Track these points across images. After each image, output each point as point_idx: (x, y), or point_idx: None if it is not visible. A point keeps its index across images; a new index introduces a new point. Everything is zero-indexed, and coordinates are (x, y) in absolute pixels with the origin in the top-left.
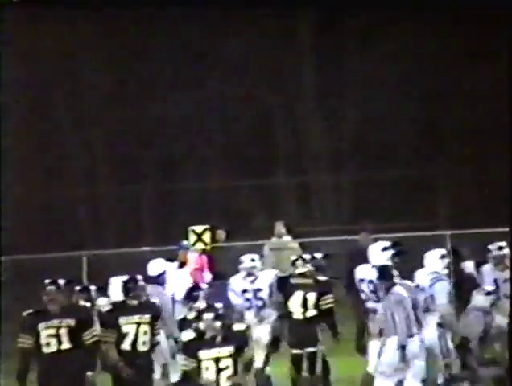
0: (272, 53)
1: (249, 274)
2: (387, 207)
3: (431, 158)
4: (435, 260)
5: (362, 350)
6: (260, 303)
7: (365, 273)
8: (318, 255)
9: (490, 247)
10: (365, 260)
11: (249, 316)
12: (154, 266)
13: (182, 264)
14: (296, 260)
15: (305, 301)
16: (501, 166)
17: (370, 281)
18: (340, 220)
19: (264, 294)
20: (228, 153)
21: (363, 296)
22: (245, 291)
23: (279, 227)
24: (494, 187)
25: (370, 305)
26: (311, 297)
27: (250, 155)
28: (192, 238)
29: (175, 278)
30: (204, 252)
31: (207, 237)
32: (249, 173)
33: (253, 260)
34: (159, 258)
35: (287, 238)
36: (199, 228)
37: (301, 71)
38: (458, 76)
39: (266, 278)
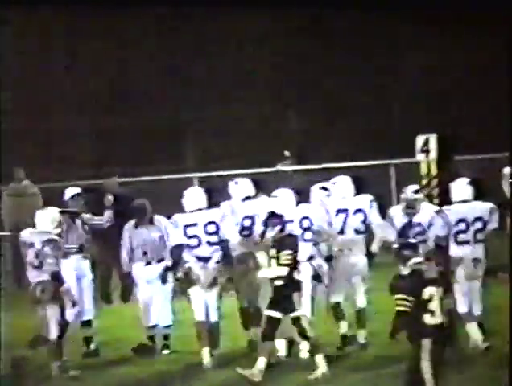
0: None
1: None
2: (132, 153)
3: (180, 103)
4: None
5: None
6: None
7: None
8: None
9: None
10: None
11: None
12: None
13: None
14: None
15: None
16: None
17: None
18: (83, 166)
19: None
20: None
21: None
22: None
23: (18, 171)
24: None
25: None
26: None
27: None
28: None
29: None
30: None
31: None
32: None
33: None
34: None
35: (27, 183)
36: None
37: None
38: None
39: None
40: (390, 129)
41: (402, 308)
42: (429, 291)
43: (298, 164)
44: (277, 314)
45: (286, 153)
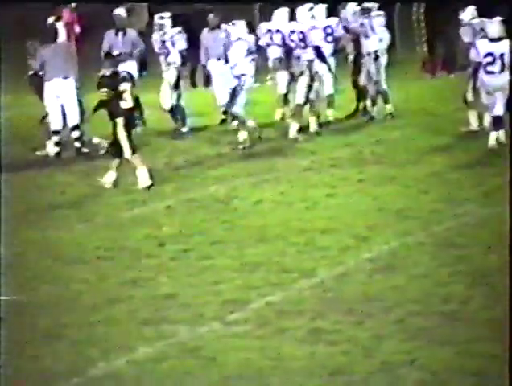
0: None
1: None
2: None
3: None
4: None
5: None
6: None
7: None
8: None
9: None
10: None
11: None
12: None
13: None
14: None
15: None
16: None
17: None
18: None
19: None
20: None
21: None
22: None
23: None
24: None
25: None
26: None
27: None
28: None
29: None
30: (75, 10)
31: None
32: None
33: (161, 18)
34: None
35: None
36: None
37: None
38: None
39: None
40: None
41: (104, 98)
42: (124, 86)
43: None
44: None
45: None
